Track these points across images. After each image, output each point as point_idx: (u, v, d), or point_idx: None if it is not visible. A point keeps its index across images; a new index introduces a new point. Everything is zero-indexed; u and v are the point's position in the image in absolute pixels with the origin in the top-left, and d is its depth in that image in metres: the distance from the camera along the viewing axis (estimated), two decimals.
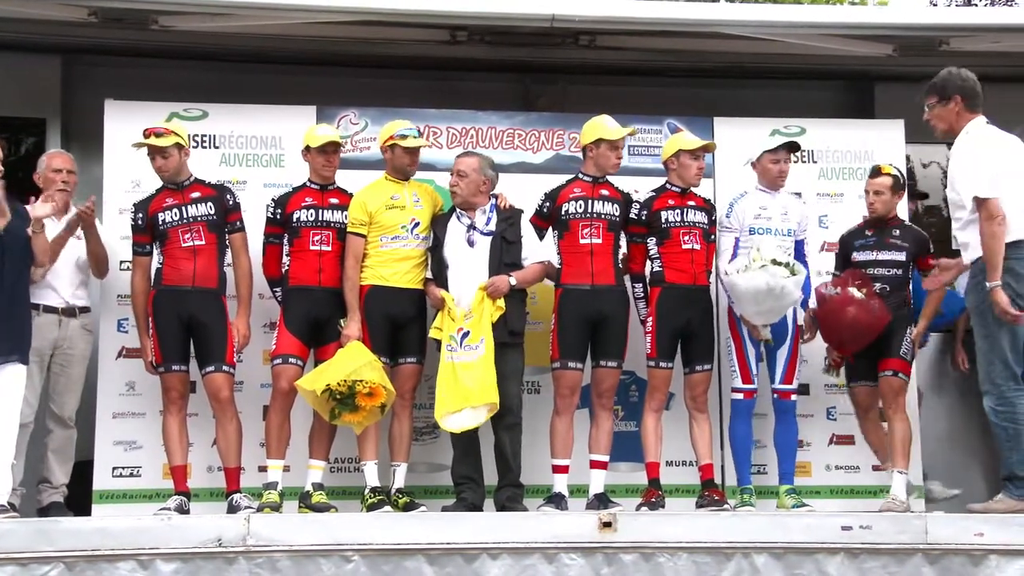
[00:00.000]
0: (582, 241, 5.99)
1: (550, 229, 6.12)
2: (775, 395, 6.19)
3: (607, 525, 5.27)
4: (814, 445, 6.60)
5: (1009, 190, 5.36)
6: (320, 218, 6.01)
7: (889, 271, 6.17)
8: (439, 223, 5.99)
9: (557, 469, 5.99)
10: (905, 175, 6.38)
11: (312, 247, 5.99)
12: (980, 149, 5.43)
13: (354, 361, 5.68)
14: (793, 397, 6.19)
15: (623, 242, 6.18)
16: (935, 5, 14.55)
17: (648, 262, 6.16)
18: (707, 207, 6.22)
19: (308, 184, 6.10)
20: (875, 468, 6.42)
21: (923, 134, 6.58)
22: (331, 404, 5.67)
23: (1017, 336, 5.32)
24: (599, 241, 6.00)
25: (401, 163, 6.03)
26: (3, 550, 5.03)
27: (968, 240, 5.44)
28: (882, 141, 6.83)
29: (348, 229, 5.95)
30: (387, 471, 5.99)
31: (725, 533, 5.35)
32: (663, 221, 6.09)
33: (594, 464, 6.02)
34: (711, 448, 6.14)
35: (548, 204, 6.09)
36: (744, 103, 7.29)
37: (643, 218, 6.13)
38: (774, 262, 5.92)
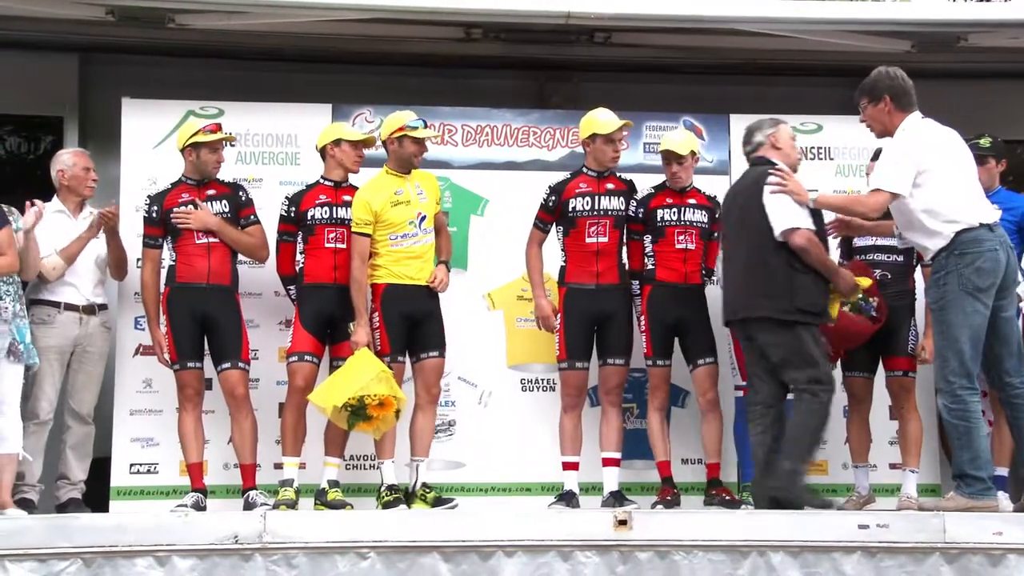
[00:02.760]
0: (588, 240, 5.96)
1: (555, 225, 6.08)
2: None
3: (622, 523, 5.26)
4: (831, 443, 6.53)
5: (946, 183, 5.35)
6: (334, 215, 6.01)
7: (889, 257, 6.10)
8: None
9: (567, 466, 5.99)
10: None
11: (327, 244, 5.99)
12: (908, 146, 5.41)
13: (363, 375, 5.65)
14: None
15: None
16: (954, 0, 14.43)
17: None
18: (710, 205, 6.16)
19: (321, 181, 6.10)
20: (845, 466, 6.37)
21: None
22: (345, 414, 5.67)
23: (977, 335, 5.29)
24: (605, 240, 5.97)
25: (408, 153, 5.95)
26: (21, 546, 5.06)
27: (920, 240, 5.44)
28: None
29: (353, 229, 5.88)
30: (401, 467, 5.99)
31: (741, 531, 5.33)
32: (659, 219, 6.07)
33: (606, 462, 6.01)
34: (719, 446, 6.10)
35: (554, 198, 6.05)
36: (760, 100, 7.25)
37: (639, 215, 6.11)
38: None
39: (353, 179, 6.13)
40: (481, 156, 6.67)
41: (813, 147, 6.84)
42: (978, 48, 6.94)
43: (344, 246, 5.98)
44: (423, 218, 5.94)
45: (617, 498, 5.88)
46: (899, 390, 6.15)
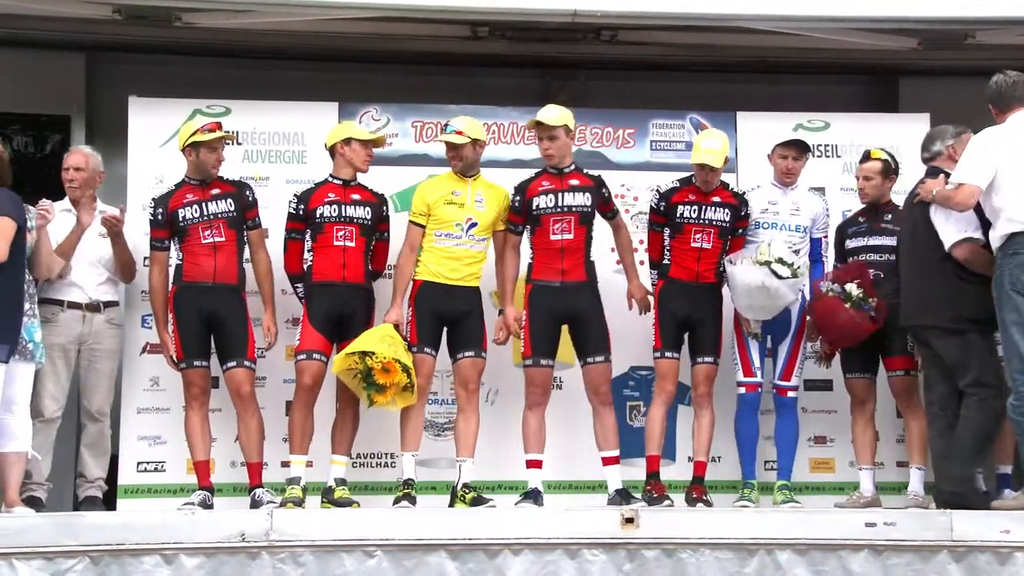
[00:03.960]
0: (553, 237, 5.93)
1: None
2: (774, 390, 6.16)
3: (629, 521, 5.27)
4: (837, 441, 6.56)
5: (1013, 183, 5.34)
6: (343, 214, 6.01)
7: (881, 256, 6.10)
8: None
9: (531, 464, 5.93)
10: (896, 160, 6.29)
11: (336, 243, 5.98)
12: (988, 141, 5.43)
13: (373, 336, 5.71)
14: (791, 393, 6.14)
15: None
16: None
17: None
18: (736, 203, 6.11)
19: (330, 180, 6.10)
20: (852, 463, 6.34)
21: None
22: (360, 384, 5.69)
23: None
24: (570, 237, 5.93)
25: (447, 156, 6.02)
26: (29, 544, 5.07)
27: (991, 235, 5.44)
28: (907, 135, 6.76)
29: (409, 218, 5.98)
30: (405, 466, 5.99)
31: (748, 529, 5.34)
32: (678, 215, 6.05)
33: (606, 461, 5.97)
34: (708, 446, 6.08)
35: (519, 198, 6.01)
36: (767, 97, 7.26)
37: (661, 209, 6.10)
38: (780, 261, 5.88)
39: (362, 178, 6.12)
40: (488, 154, 6.64)
41: (820, 145, 6.83)
42: (986, 45, 6.92)
43: (353, 244, 5.98)
44: (472, 225, 5.94)
45: (623, 496, 5.87)
46: (901, 390, 6.16)
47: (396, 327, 5.84)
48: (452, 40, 7.14)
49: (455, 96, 7.00)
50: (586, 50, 7.21)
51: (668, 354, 6.04)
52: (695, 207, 6.06)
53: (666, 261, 6.09)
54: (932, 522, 5.33)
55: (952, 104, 7.02)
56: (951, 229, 5.54)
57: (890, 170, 6.21)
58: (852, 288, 5.89)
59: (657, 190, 6.13)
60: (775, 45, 7.18)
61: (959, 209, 5.46)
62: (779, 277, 5.87)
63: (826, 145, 6.82)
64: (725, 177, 6.41)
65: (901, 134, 6.82)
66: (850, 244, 6.22)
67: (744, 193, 6.21)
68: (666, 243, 6.10)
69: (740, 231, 6.13)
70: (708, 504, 5.94)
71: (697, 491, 5.99)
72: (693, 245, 6.03)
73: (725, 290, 6.15)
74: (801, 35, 6.98)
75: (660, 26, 6.97)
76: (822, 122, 6.87)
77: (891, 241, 6.10)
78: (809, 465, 6.57)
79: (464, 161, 6.01)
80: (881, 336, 6.03)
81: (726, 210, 6.08)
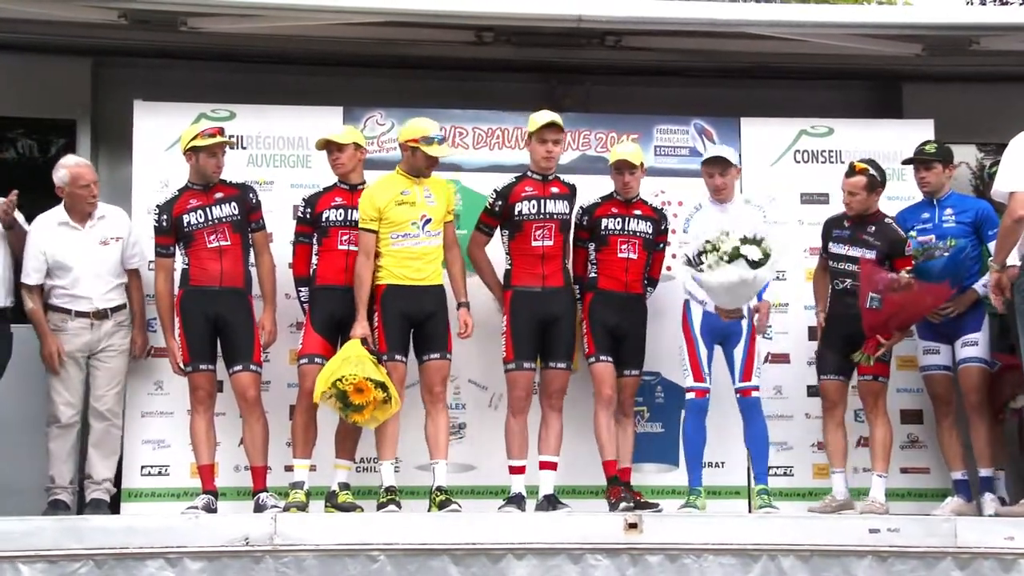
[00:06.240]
0: (534, 244, 5.95)
1: (499, 228, 6.07)
2: (737, 394, 6.05)
3: (633, 526, 5.28)
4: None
5: None
6: (349, 218, 6.01)
7: (858, 268, 6.08)
8: None
9: (514, 470, 5.93)
10: (883, 172, 6.23)
11: (340, 247, 6.00)
12: (1018, 146, 5.40)
13: (337, 360, 5.70)
14: (754, 394, 6.03)
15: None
16: (971, 3, 14.36)
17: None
18: (656, 217, 6.14)
19: (338, 184, 6.11)
20: (856, 470, 6.30)
21: (952, 134, 6.56)
22: (338, 405, 5.68)
23: None
24: (551, 243, 5.96)
25: (419, 165, 5.97)
26: (33, 548, 5.09)
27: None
28: (911, 141, 6.76)
29: (359, 225, 5.91)
30: (410, 469, 6.00)
31: (751, 535, 5.35)
32: (603, 228, 6.06)
33: (543, 465, 5.94)
34: (631, 452, 6.09)
35: (500, 203, 6.02)
36: (771, 103, 7.25)
37: (584, 224, 6.11)
38: (744, 240, 5.71)
39: (370, 182, 6.10)
40: (492, 159, 6.67)
41: (824, 150, 6.85)
42: (990, 51, 6.92)
43: (357, 248, 5.98)
44: (427, 221, 5.93)
45: (551, 502, 5.83)
46: (868, 395, 6.15)
47: (364, 341, 5.78)
48: (457, 45, 7.14)
49: (460, 101, 7.00)
50: (590, 55, 7.21)
51: (603, 358, 6.01)
52: (618, 219, 6.06)
53: (593, 275, 6.09)
54: (936, 528, 5.34)
55: (956, 110, 7.04)
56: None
57: (876, 184, 6.12)
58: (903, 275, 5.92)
59: (581, 206, 6.13)
60: (779, 51, 7.18)
61: (1015, 218, 5.32)
62: (754, 264, 5.70)
63: (829, 151, 6.83)
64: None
65: (904, 140, 6.81)
66: (833, 248, 6.20)
67: (662, 209, 6.20)
68: (591, 257, 6.09)
69: (661, 245, 6.15)
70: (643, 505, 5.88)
71: (627, 492, 5.92)
72: (620, 256, 6.03)
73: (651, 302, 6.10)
74: (805, 41, 6.98)
75: (664, 31, 6.98)
76: (825, 128, 6.87)
77: (869, 254, 6.07)
78: (812, 470, 6.56)
79: (432, 170, 6.00)
80: (859, 341, 6.01)
81: (648, 223, 6.10)
